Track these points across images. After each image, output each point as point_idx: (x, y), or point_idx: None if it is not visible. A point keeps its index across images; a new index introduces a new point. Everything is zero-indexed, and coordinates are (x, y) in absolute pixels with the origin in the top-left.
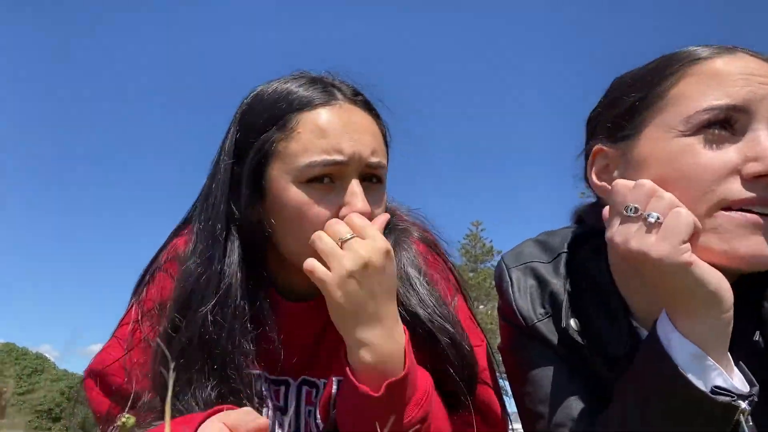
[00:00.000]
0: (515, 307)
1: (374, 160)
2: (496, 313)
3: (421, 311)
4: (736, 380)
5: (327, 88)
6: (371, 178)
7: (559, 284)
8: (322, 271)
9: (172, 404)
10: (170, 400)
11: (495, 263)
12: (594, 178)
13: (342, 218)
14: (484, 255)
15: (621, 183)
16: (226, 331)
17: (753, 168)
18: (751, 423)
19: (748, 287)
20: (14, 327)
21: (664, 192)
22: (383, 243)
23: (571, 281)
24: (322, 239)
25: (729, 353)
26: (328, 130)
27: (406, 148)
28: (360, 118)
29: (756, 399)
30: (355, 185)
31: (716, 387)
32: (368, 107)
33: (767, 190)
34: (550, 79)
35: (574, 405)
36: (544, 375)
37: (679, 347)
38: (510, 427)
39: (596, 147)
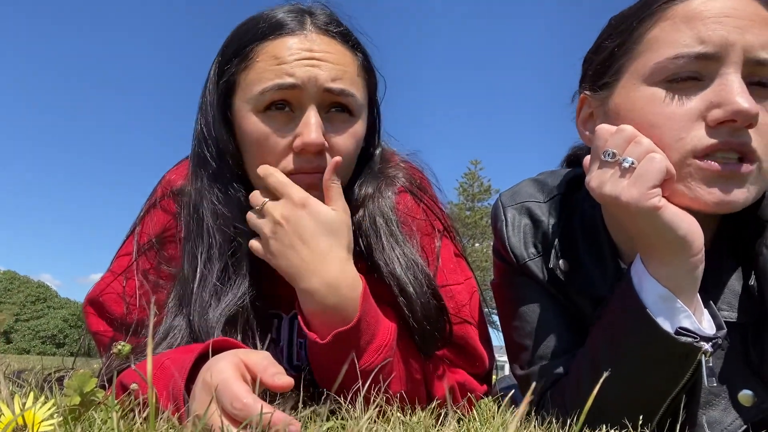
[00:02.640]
0: (507, 245)
1: (335, 86)
2: (491, 251)
3: (382, 263)
4: (704, 323)
5: (300, 17)
6: (337, 107)
7: (552, 225)
8: (255, 244)
9: (195, 322)
10: (152, 328)
11: (492, 202)
12: (580, 125)
13: (295, 150)
14: (482, 193)
15: (603, 128)
16: (240, 255)
17: (715, 114)
18: (711, 364)
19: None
20: (12, 256)
21: (643, 138)
22: (299, 197)
23: (564, 222)
24: (249, 215)
25: (711, 296)
26: (283, 57)
27: (406, 87)
28: (325, 45)
29: (720, 342)
30: (311, 113)
31: (681, 328)
32: (344, 38)
33: (731, 135)
34: (552, 15)
35: (557, 340)
36: (531, 310)
37: (648, 288)
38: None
39: (582, 95)
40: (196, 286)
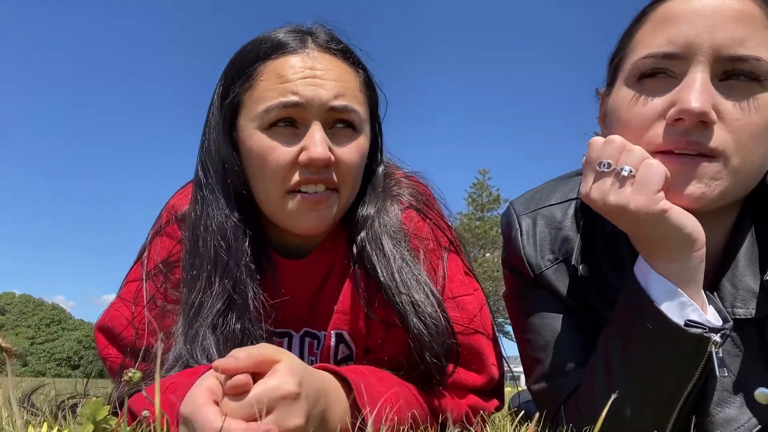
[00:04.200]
0: (523, 255)
1: (338, 103)
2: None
3: (390, 284)
4: (710, 315)
5: (301, 36)
6: (341, 123)
7: (571, 228)
8: None
9: (194, 349)
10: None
11: (501, 211)
12: (599, 122)
13: (301, 164)
14: (491, 203)
15: (594, 140)
16: (237, 278)
17: (669, 113)
18: (720, 354)
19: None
20: (26, 279)
21: (633, 146)
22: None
23: (584, 227)
24: None
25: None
26: (287, 75)
27: (413, 96)
28: (327, 63)
29: (728, 332)
30: (315, 129)
31: (690, 321)
32: (345, 55)
33: (686, 134)
34: (562, 21)
35: (571, 353)
36: (545, 323)
37: (655, 285)
38: (509, 369)
39: (600, 92)
40: (194, 312)
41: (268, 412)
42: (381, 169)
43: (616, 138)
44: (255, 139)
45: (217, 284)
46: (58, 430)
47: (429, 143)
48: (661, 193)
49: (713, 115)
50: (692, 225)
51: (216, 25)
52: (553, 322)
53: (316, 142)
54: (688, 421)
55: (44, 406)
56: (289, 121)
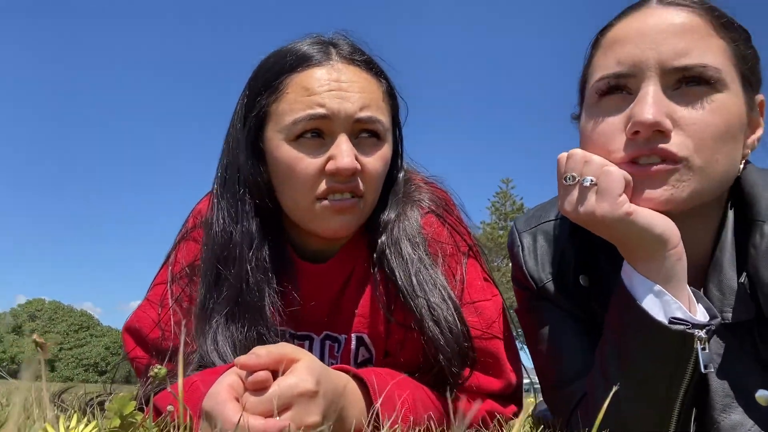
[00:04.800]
0: (525, 270)
1: (364, 115)
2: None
3: (408, 287)
4: (698, 313)
5: (325, 48)
6: (366, 133)
7: (568, 241)
8: None
9: (209, 351)
10: (198, 351)
11: None
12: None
13: (328, 173)
14: (514, 212)
15: (560, 156)
16: (255, 285)
17: (628, 127)
18: (707, 351)
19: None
20: (56, 286)
21: (593, 156)
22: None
23: (581, 237)
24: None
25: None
26: (313, 88)
27: (435, 105)
28: (351, 75)
29: (713, 329)
30: (342, 140)
31: (674, 318)
32: (368, 66)
33: (644, 144)
34: (588, 25)
35: (581, 361)
36: (554, 333)
37: (639, 286)
38: (527, 377)
39: (575, 116)
40: (206, 317)
41: (286, 409)
42: (402, 174)
43: (578, 151)
44: (283, 150)
45: (225, 291)
46: (87, 422)
47: (452, 150)
48: (624, 197)
49: (667, 123)
50: (662, 224)
51: (229, 33)
52: (561, 332)
53: (343, 152)
54: (696, 424)
55: (74, 403)
56: (316, 132)
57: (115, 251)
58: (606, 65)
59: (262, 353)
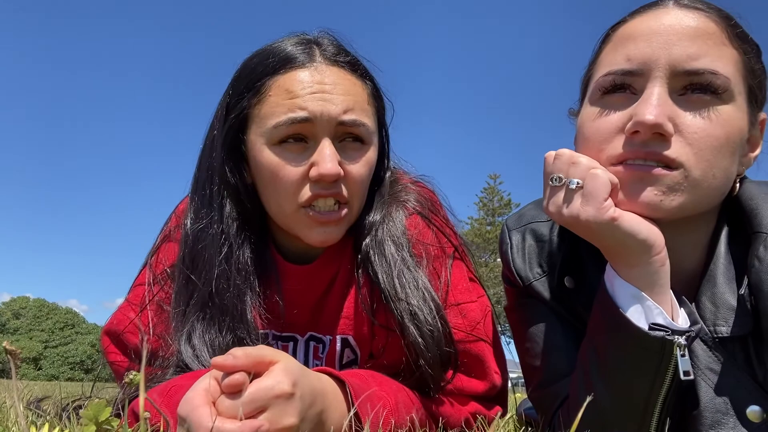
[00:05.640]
0: (513, 268)
1: (347, 118)
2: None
3: (390, 290)
4: (679, 319)
5: (308, 49)
6: (350, 137)
7: (556, 243)
8: None
9: (189, 353)
10: (179, 354)
11: None
12: (574, 142)
13: (312, 180)
14: (502, 208)
15: (547, 155)
16: (233, 287)
17: (628, 126)
18: (686, 357)
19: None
20: (41, 284)
21: (580, 157)
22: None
23: (569, 240)
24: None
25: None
26: (295, 91)
27: (420, 99)
28: (335, 77)
29: (693, 335)
30: (325, 145)
31: (654, 324)
32: (352, 67)
33: (644, 146)
34: (573, 23)
35: (566, 360)
36: (540, 331)
37: (621, 291)
38: (517, 372)
39: (573, 112)
40: (181, 320)
41: (261, 412)
42: (388, 175)
43: (565, 151)
44: (264, 155)
45: (196, 294)
46: (60, 430)
47: (439, 147)
48: (609, 201)
49: (669, 126)
50: (646, 230)
51: (214, 29)
52: (547, 331)
53: (326, 158)
54: None
55: (50, 408)
56: (298, 137)
57: (100, 248)
58: (614, 61)
59: (239, 354)
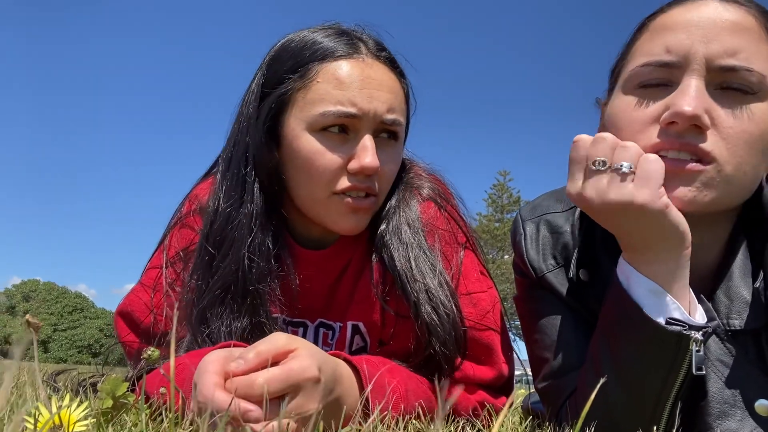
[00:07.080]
0: (526, 258)
1: (390, 117)
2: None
3: (406, 273)
4: (697, 315)
5: (352, 41)
6: (386, 134)
7: (571, 234)
8: None
9: (203, 335)
10: (190, 335)
11: None
12: (599, 131)
13: (350, 171)
14: (511, 205)
15: (582, 138)
16: (256, 270)
17: (663, 116)
18: (702, 352)
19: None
20: (52, 268)
21: (627, 142)
22: None
23: (585, 232)
24: None
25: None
26: (346, 82)
27: (435, 97)
28: (381, 74)
29: (710, 331)
30: (367, 140)
31: (671, 319)
32: (392, 64)
33: (679, 137)
34: (584, 20)
35: (575, 353)
36: (551, 323)
37: (637, 286)
38: (521, 368)
39: (601, 101)
40: (198, 301)
41: (282, 396)
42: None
43: (607, 135)
44: (303, 140)
45: (219, 276)
46: (79, 403)
47: (450, 143)
48: (663, 189)
49: (706, 119)
50: (685, 224)
51: (214, 29)
52: (558, 323)
53: (369, 151)
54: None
55: (67, 383)
56: (341, 127)
57: (110, 234)
58: (652, 51)
59: (250, 357)
